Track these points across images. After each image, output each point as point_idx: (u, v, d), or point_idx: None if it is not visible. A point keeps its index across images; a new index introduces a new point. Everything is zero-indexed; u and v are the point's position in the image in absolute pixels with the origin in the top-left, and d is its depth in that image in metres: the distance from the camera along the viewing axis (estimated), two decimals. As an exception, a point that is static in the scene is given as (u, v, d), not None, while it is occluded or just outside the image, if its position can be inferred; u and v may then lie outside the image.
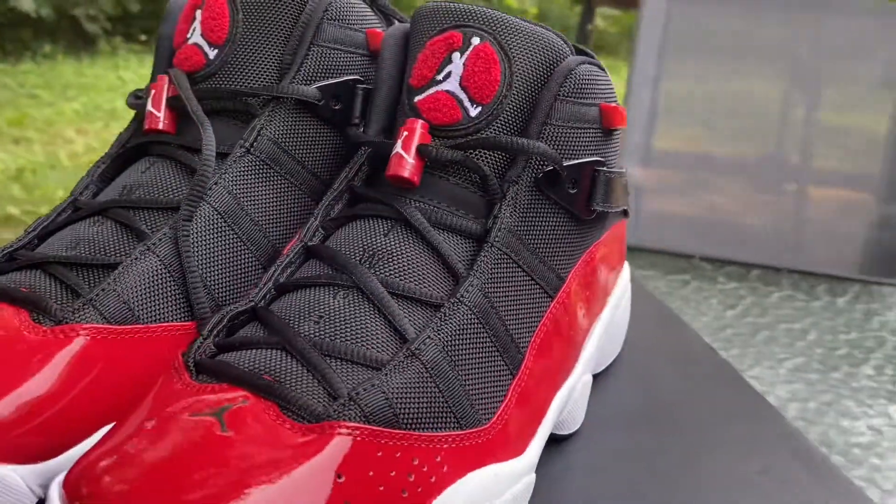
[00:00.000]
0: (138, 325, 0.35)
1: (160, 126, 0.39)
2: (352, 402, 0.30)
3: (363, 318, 0.33)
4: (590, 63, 0.37)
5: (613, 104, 0.38)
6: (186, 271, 0.36)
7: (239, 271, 0.38)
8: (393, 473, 0.30)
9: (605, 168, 0.37)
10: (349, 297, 0.34)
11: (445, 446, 0.32)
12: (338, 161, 0.42)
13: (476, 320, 0.34)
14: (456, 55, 0.36)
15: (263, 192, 0.39)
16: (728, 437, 0.42)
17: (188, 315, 0.36)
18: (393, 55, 0.39)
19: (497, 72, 0.36)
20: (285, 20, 0.40)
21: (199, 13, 0.40)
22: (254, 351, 0.32)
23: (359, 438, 0.30)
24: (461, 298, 0.34)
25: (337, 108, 0.40)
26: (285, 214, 0.40)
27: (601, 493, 0.38)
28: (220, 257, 0.37)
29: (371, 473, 0.29)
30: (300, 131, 0.40)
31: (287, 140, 0.40)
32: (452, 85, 0.36)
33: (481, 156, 0.36)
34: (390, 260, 0.35)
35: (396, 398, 0.31)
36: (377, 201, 0.36)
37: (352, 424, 0.30)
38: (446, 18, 0.37)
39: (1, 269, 0.36)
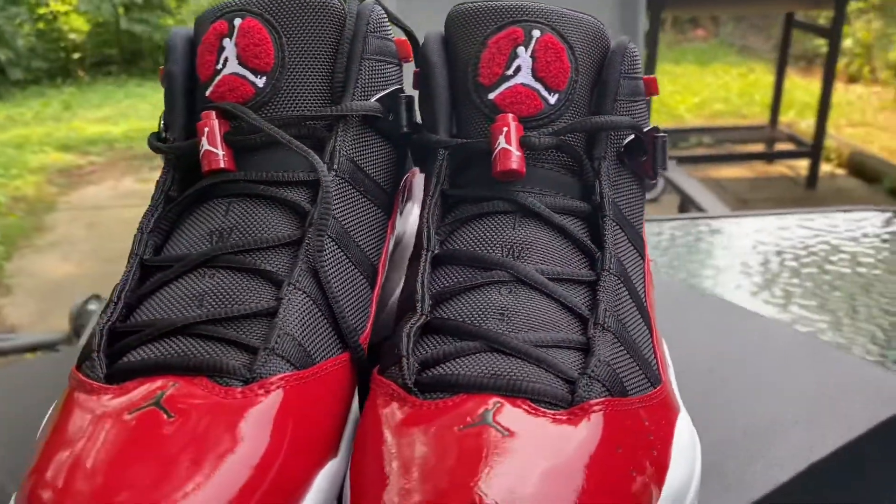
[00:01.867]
0: (315, 365, 0.33)
1: (221, 164, 0.37)
2: (594, 381, 0.32)
3: (539, 306, 0.34)
4: (631, 41, 0.40)
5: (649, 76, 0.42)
6: (332, 302, 0.35)
7: (357, 294, 0.37)
8: (640, 436, 0.32)
9: (661, 134, 0.41)
10: (514, 290, 0.35)
11: (654, 403, 0.34)
12: (396, 171, 0.42)
13: (623, 287, 0.36)
14: (521, 49, 0.38)
15: (352, 211, 0.38)
16: (763, 355, 0.48)
17: (340, 347, 0.35)
18: (441, 60, 0.40)
19: (566, 59, 0.38)
20: (329, 37, 0.39)
21: (227, 42, 0.38)
22: (462, 360, 0.32)
23: (611, 411, 0.31)
24: (610, 270, 0.36)
25: (391, 119, 0.40)
26: (371, 230, 0.39)
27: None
28: (343, 283, 0.36)
29: (630, 439, 0.31)
30: (367, 147, 0.39)
31: (359, 157, 0.39)
32: (526, 77, 0.38)
33: (572, 138, 0.38)
34: (531, 250, 0.36)
35: (617, 369, 0.33)
36: (490, 199, 0.37)
37: (603, 401, 0.31)
38: (498, 16, 0.38)
39: (125, 347, 0.33)
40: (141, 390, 0.30)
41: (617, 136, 0.39)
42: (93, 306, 1.85)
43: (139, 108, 3.91)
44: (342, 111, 0.38)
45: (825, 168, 3.27)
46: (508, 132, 0.37)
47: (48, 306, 2.19)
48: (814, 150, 3.03)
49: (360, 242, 0.38)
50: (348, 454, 0.34)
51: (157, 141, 0.39)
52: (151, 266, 0.36)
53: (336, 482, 0.32)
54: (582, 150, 0.38)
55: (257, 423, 0.30)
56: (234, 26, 0.38)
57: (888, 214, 1.03)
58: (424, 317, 0.34)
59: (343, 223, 0.37)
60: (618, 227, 0.38)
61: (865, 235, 0.99)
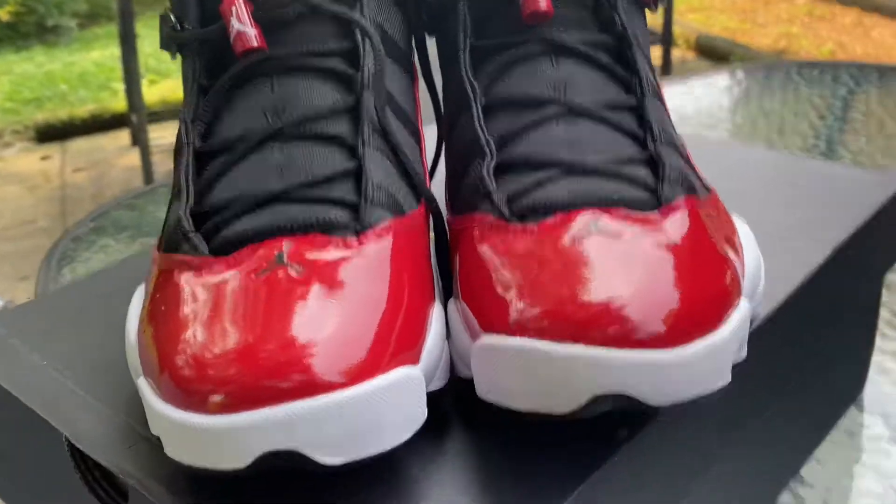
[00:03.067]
0: (406, 214, 0.34)
1: (255, 43, 0.37)
2: (673, 184, 0.34)
3: (598, 132, 0.36)
4: None
5: None
6: (403, 157, 0.36)
7: (413, 152, 0.38)
8: (722, 225, 0.34)
9: None
10: (571, 122, 0.36)
11: (717, 202, 0.37)
12: (409, 36, 0.42)
13: (662, 107, 0.38)
14: None
15: (389, 75, 0.39)
16: (744, 179, 0.51)
17: (416, 199, 0.36)
18: None
19: None
20: None
21: (232, -81, 0.38)
22: (546, 186, 0.34)
23: (693, 207, 0.34)
24: (647, 91, 0.38)
25: (399, -17, 0.41)
26: (405, 93, 0.40)
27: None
28: (403, 141, 0.37)
29: (716, 228, 0.34)
30: (387, 12, 0.40)
31: (383, 21, 0.39)
32: None
33: None
34: (575, 84, 0.37)
35: (685, 174, 0.35)
36: (522, 43, 0.38)
37: (686, 198, 0.33)
38: None
39: (216, 225, 0.33)
40: (258, 255, 0.31)
41: (621, -32, 0.41)
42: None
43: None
44: (363, -23, 0.38)
45: (676, 54, 3.40)
46: (530, -26, 0.38)
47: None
48: (664, 37, 3.13)
49: (402, 104, 0.39)
50: (441, 298, 0.35)
51: (173, 31, 0.38)
52: (206, 153, 0.36)
53: (443, 321, 0.34)
54: (598, -14, 0.40)
55: (380, 266, 0.31)
56: None
57: (785, 66, 1.10)
58: (496, 157, 0.35)
59: (388, 88, 0.38)
60: (642, 53, 0.40)
61: (769, 87, 1.05)
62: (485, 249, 0.33)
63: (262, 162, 0.34)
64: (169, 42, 0.39)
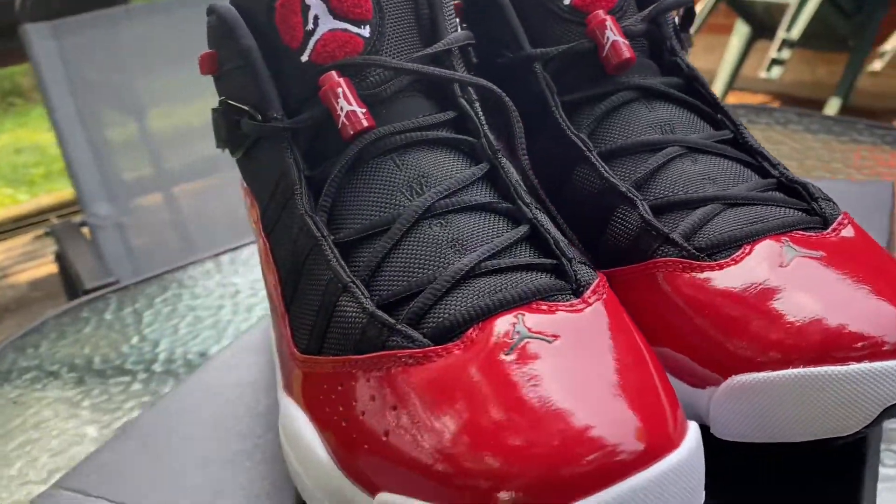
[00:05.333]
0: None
1: (365, 123, 0.34)
2: (827, 201, 0.35)
3: (724, 166, 0.37)
4: None
5: None
6: (554, 213, 0.34)
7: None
8: None
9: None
10: (696, 159, 0.37)
11: None
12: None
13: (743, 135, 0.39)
14: (580, -49, 0.40)
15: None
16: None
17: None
18: None
19: None
20: None
21: (314, -1, 0.35)
22: (714, 222, 0.34)
23: (853, 220, 0.35)
24: (738, 123, 0.39)
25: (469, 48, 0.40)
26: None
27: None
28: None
29: None
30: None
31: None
32: None
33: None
34: (677, 124, 0.38)
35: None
36: (613, 92, 0.38)
37: (844, 213, 0.34)
38: None
39: (416, 312, 0.30)
40: (490, 334, 0.28)
41: (669, 15, 0.42)
42: None
43: None
44: (452, 43, 0.37)
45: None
46: (612, 26, 0.38)
47: None
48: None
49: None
50: None
51: (255, 121, 0.35)
52: (347, 242, 0.33)
53: None
54: (661, 31, 0.41)
55: (612, 322, 0.29)
56: (315, -19, 0.35)
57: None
58: (645, 201, 0.35)
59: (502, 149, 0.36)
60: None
61: None
62: (683, 292, 0.32)
63: (428, 240, 0.32)
64: (245, 136, 0.36)
